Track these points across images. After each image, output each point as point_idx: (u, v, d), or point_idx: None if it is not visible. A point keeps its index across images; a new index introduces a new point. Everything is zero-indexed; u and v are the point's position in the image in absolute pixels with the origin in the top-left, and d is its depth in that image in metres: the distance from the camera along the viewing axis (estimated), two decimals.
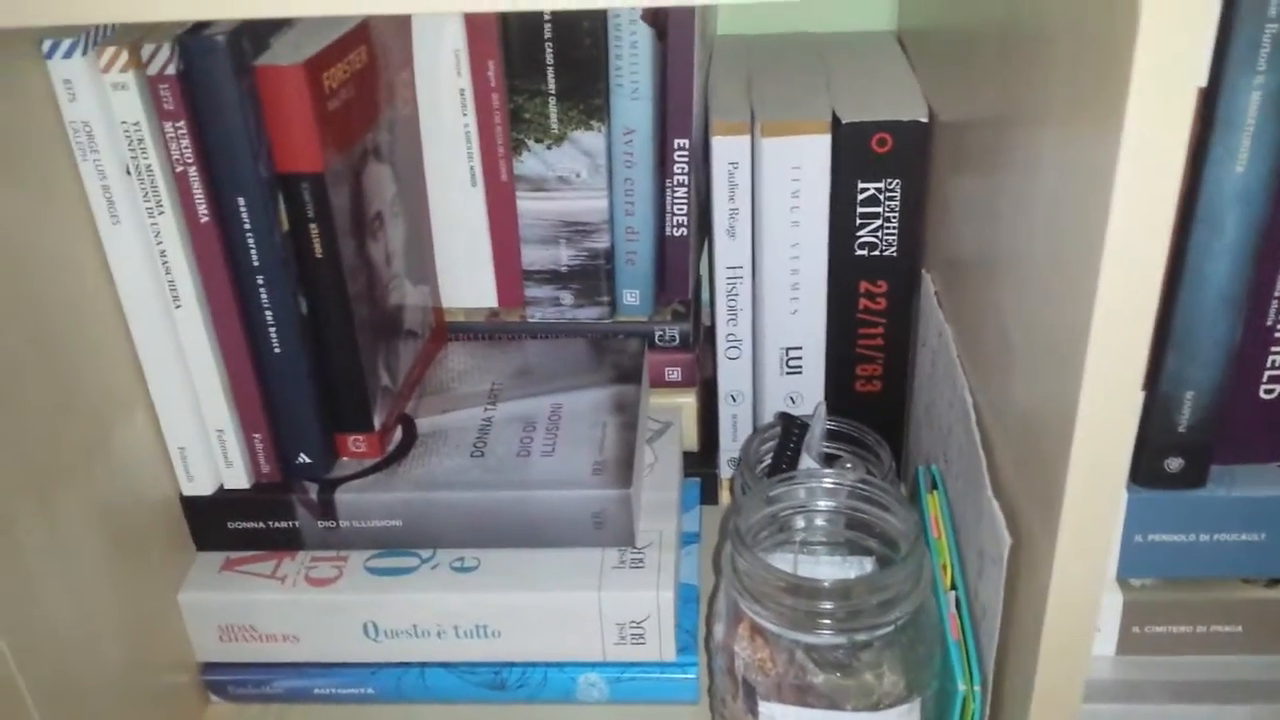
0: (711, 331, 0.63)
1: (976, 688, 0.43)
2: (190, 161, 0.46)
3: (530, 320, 0.63)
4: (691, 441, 0.65)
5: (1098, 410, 0.34)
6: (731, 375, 0.63)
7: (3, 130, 0.42)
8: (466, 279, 0.63)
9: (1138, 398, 0.34)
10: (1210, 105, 0.37)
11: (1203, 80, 0.37)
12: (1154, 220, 0.31)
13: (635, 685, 0.54)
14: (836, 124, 0.55)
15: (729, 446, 0.64)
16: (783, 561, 0.49)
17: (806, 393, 0.62)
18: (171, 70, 0.44)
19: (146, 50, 0.44)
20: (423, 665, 0.54)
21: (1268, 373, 0.44)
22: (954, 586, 0.47)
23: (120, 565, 0.49)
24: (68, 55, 0.43)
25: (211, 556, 0.55)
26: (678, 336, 0.63)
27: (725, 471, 0.65)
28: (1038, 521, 0.38)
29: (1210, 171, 0.38)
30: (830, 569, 0.50)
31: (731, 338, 0.61)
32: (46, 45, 0.43)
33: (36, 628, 0.44)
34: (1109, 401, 0.34)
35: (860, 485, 0.47)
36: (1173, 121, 0.30)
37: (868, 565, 0.49)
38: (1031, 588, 0.39)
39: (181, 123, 0.45)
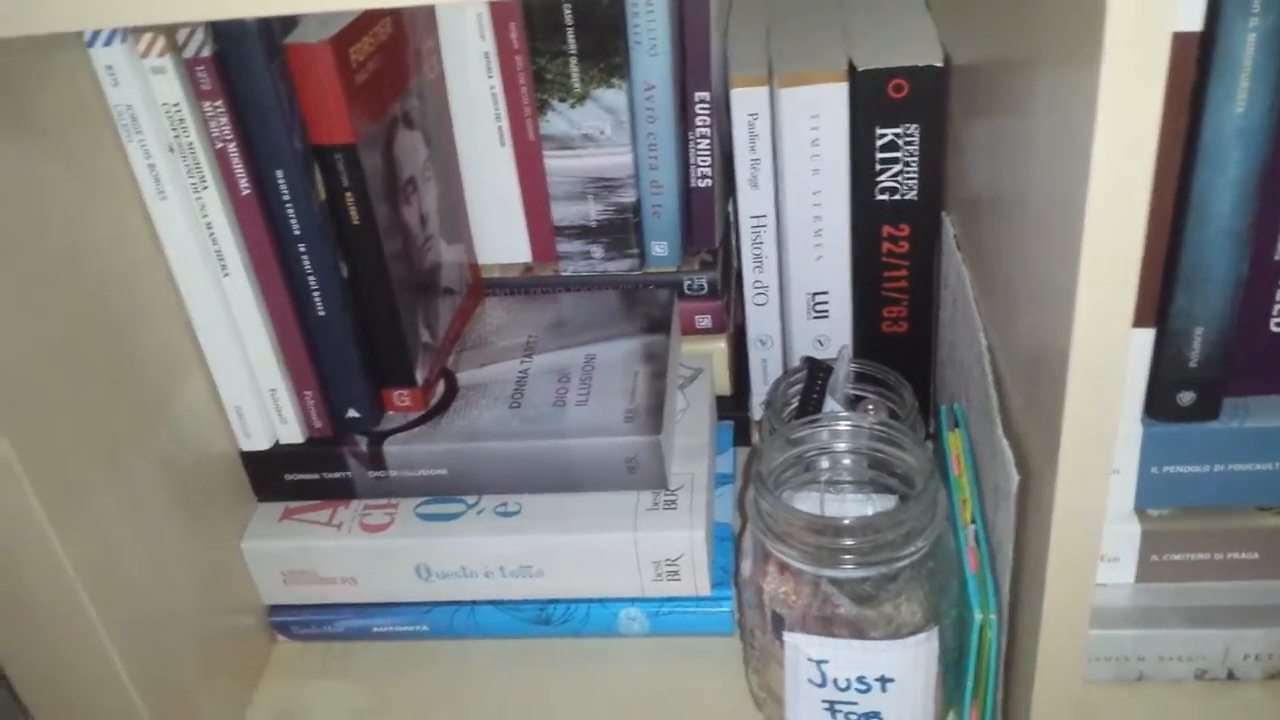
0: (740, 278, 0.64)
1: (993, 616, 0.45)
2: (229, 138, 0.48)
3: (563, 274, 0.65)
4: (724, 386, 0.67)
5: (1091, 347, 0.35)
6: (760, 321, 0.64)
7: (55, 116, 0.45)
8: (501, 236, 0.66)
9: (1129, 335, 0.35)
10: (1207, 49, 0.38)
11: (1197, 25, 0.38)
12: (1136, 161, 0.32)
13: (673, 619, 0.57)
14: (853, 71, 0.56)
15: (760, 390, 0.66)
16: (809, 500, 0.52)
17: (834, 336, 0.64)
18: (206, 52, 0.46)
19: (182, 34, 0.46)
20: (473, 603, 0.58)
21: (1278, 305, 0.45)
22: (974, 520, 0.48)
23: (187, 517, 0.52)
24: (108, 43, 0.45)
25: (272, 507, 0.58)
26: (706, 285, 0.65)
27: (757, 414, 0.67)
28: (1043, 458, 0.40)
29: (1211, 112, 0.39)
30: (855, 506, 0.52)
31: (758, 284, 0.63)
32: (88, 34, 0.45)
33: (114, 579, 0.47)
34: (1101, 339, 0.35)
35: (876, 426, 0.49)
36: (1149, 64, 0.31)
37: (890, 502, 0.51)
38: (1039, 521, 0.40)
39: (219, 102, 0.47)
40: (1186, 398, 0.46)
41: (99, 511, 0.46)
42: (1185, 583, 0.51)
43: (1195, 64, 0.38)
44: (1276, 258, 0.43)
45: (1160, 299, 0.44)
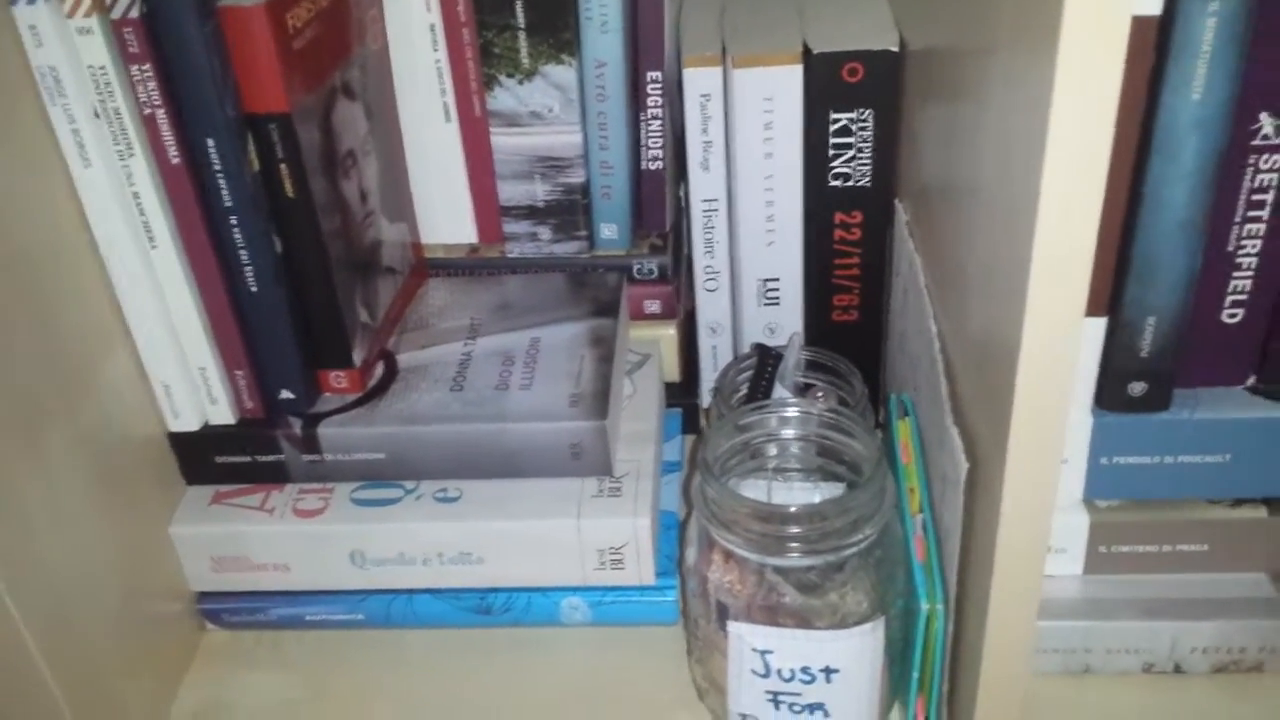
0: (690, 263, 0.63)
1: (939, 606, 0.44)
2: (158, 104, 0.46)
3: (509, 256, 0.64)
4: (673, 372, 0.66)
5: (1042, 337, 0.35)
6: (710, 307, 0.63)
7: None
8: (445, 215, 0.64)
9: (1081, 325, 0.34)
10: (1165, 33, 0.37)
11: (1156, 8, 0.37)
12: (1092, 148, 0.32)
13: (616, 608, 0.56)
14: (808, 54, 0.55)
15: (709, 377, 0.65)
16: (756, 488, 0.51)
17: (785, 323, 0.63)
18: (135, 14, 0.44)
19: None
20: (410, 592, 0.56)
21: (1229, 297, 0.45)
22: (922, 510, 0.48)
23: (111, 500, 0.50)
24: (31, 2, 0.43)
25: (201, 490, 0.56)
26: (656, 269, 0.64)
27: (706, 401, 0.66)
28: (992, 446, 0.39)
29: (1166, 99, 0.38)
30: (802, 494, 0.51)
31: (709, 270, 0.62)
32: None
33: (31, 565, 0.45)
34: (1053, 329, 0.35)
35: (825, 413, 0.48)
36: (1108, 48, 0.30)
37: (838, 490, 0.50)
38: (987, 511, 0.40)
39: (147, 65, 0.45)
40: (1137, 388, 0.45)
41: (15, 492, 0.44)
42: (1133, 575, 0.50)
43: (1154, 49, 0.37)
44: (1229, 248, 0.43)
45: (1112, 288, 0.43)
